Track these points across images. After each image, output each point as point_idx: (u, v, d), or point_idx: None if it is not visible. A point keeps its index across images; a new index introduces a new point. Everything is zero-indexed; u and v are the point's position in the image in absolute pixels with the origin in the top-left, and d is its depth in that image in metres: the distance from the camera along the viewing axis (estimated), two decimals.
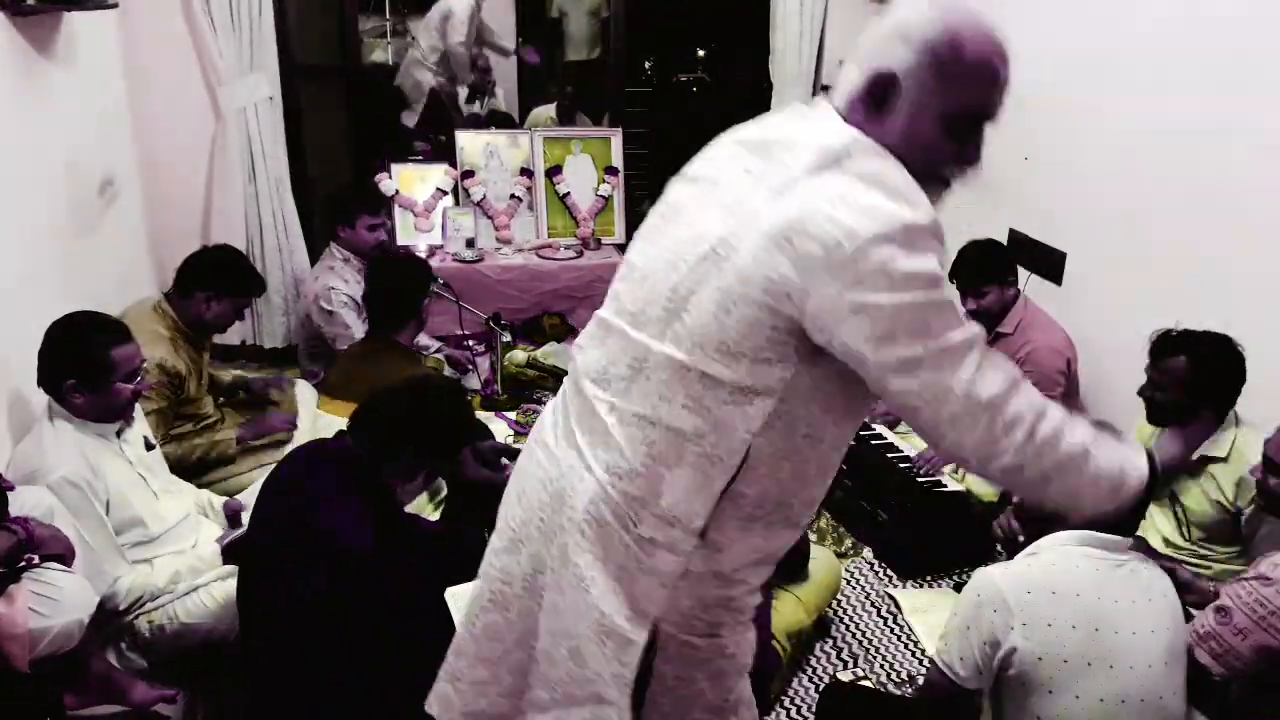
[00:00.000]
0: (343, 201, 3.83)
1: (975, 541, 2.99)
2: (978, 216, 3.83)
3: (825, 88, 4.77)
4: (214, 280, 2.89)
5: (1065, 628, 1.66)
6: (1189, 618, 1.86)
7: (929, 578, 3.00)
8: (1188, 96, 2.90)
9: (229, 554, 2.37)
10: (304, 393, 3.30)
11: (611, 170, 4.64)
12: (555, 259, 4.35)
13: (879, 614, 2.84)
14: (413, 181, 4.45)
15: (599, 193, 4.62)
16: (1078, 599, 1.68)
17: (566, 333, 4.34)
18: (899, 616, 2.82)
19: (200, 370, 2.98)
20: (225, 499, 2.68)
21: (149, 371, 2.47)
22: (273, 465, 2.42)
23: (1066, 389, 3.15)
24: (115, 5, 3.17)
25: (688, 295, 1.25)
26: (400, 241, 4.30)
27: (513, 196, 4.52)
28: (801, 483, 1.32)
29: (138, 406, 2.47)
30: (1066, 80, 3.41)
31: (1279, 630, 1.76)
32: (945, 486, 3.07)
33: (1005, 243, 3.61)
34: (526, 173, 4.54)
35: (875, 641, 2.72)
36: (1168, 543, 2.55)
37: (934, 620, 2.66)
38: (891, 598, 2.90)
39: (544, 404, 3.43)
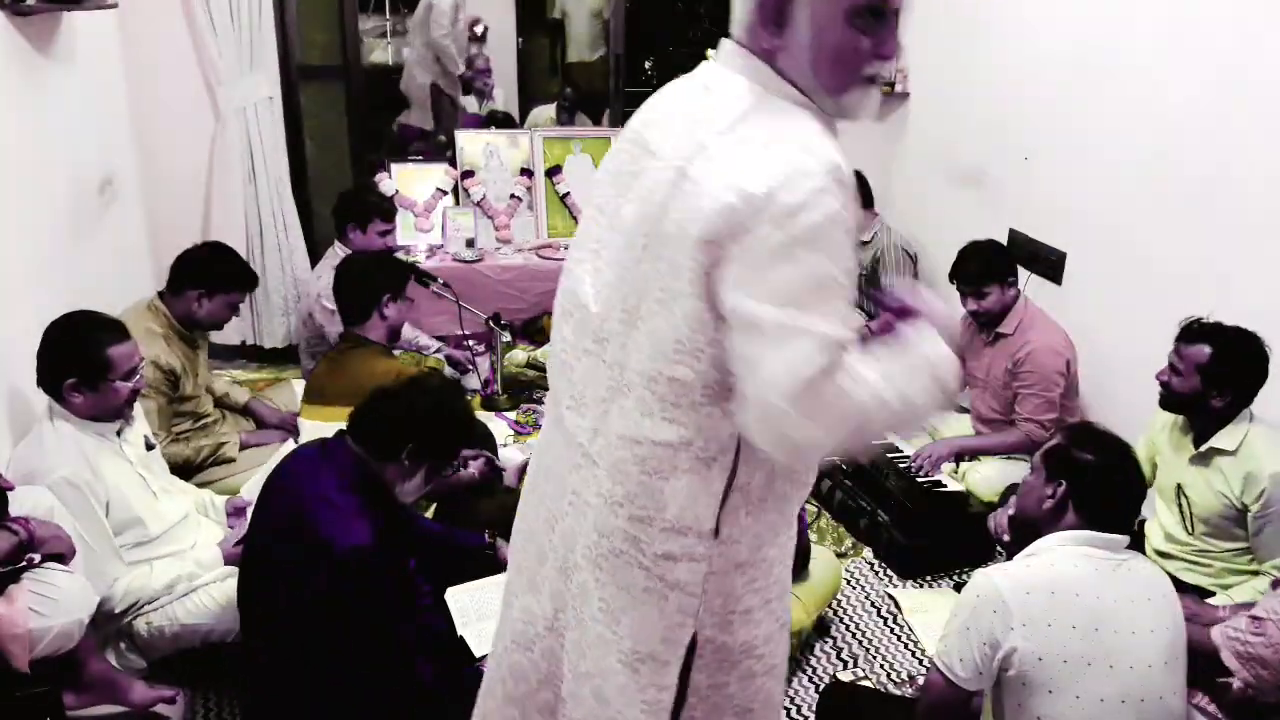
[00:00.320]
0: (359, 203, 3.81)
1: (975, 542, 2.99)
2: (978, 216, 3.84)
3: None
4: (205, 277, 2.90)
5: (1065, 628, 1.66)
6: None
7: (929, 578, 3.00)
8: (1188, 97, 2.90)
9: (231, 561, 2.36)
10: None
11: None
12: (555, 259, 4.34)
13: (879, 614, 2.84)
14: (412, 181, 4.45)
15: None
16: (1077, 599, 1.68)
17: None
18: (899, 617, 2.82)
19: (196, 368, 2.99)
20: (226, 498, 2.68)
21: (145, 369, 2.46)
22: (273, 464, 2.42)
23: (1066, 389, 3.15)
24: (115, 5, 3.16)
25: (638, 303, 1.23)
26: (400, 241, 4.29)
27: (513, 196, 4.51)
28: None
29: (138, 406, 2.47)
30: (1066, 80, 3.41)
31: None
32: (945, 486, 3.08)
33: (1005, 243, 3.60)
34: (526, 173, 4.54)
35: (875, 641, 2.72)
36: (1170, 538, 2.55)
37: (934, 620, 2.66)
38: (891, 598, 2.90)
39: (544, 404, 3.43)
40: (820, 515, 3.25)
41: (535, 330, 4.42)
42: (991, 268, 3.20)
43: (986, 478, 3.16)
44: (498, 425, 3.59)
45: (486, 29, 6.39)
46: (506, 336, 3.93)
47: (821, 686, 2.48)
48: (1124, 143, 3.17)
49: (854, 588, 2.94)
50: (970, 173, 3.91)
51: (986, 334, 3.30)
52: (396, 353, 3.57)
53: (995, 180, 3.83)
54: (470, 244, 4.29)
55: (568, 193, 4.57)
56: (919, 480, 3.09)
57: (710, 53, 1.31)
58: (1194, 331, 2.40)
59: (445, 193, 4.44)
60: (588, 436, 1.31)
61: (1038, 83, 3.57)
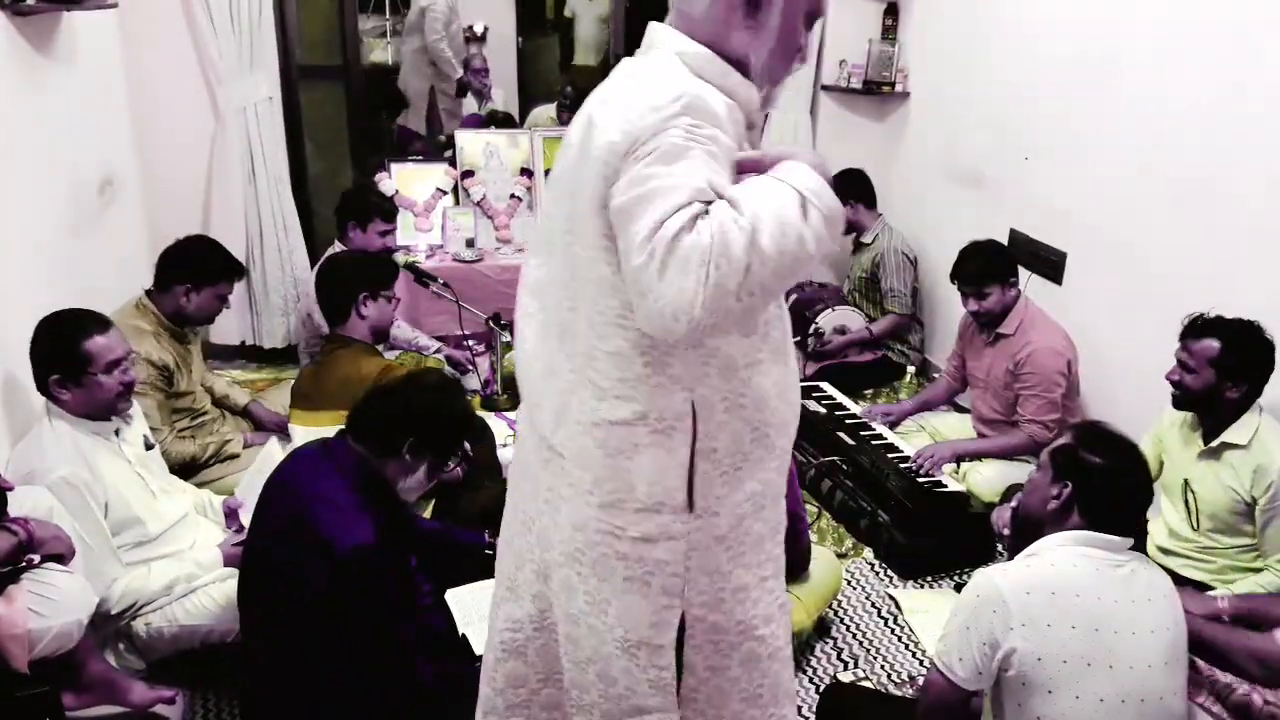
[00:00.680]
0: (360, 202, 3.81)
1: (975, 542, 2.99)
2: (978, 216, 3.84)
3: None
4: (189, 271, 2.90)
5: (1065, 628, 1.66)
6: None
7: (929, 578, 3.00)
8: (1188, 97, 2.90)
9: (230, 562, 2.36)
10: None
11: None
12: None
13: (879, 614, 2.83)
14: (412, 181, 4.45)
15: None
16: (1077, 599, 1.67)
17: None
18: (899, 617, 2.82)
19: (189, 363, 2.99)
20: (224, 498, 2.68)
21: (136, 364, 2.45)
22: (260, 464, 2.42)
23: (1066, 389, 3.15)
24: (115, 5, 3.16)
25: (578, 288, 1.27)
26: (400, 241, 4.29)
27: (513, 196, 4.51)
28: (762, 407, 1.30)
29: (136, 406, 2.47)
30: (1066, 80, 3.41)
31: None
32: (945, 487, 3.07)
33: (1005, 243, 3.60)
34: (526, 173, 4.54)
35: (875, 642, 2.72)
36: (1174, 534, 2.55)
37: (934, 621, 2.66)
38: (892, 598, 2.89)
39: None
40: (820, 515, 3.25)
41: None
42: (992, 268, 3.20)
43: (987, 478, 3.16)
44: (498, 425, 3.58)
45: (486, 29, 6.38)
46: (506, 336, 3.93)
47: (822, 687, 2.48)
48: (1124, 143, 3.17)
49: (854, 588, 2.94)
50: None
51: (987, 334, 3.30)
52: (396, 353, 3.57)
53: (995, 180, 3.83)
54: (470, 244, 4.29)
55: None
56: (919, 480, 3.08)
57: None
58: (1198, 327, 2.40)
59: (445, 192, 4.44)
60: (550, 429, 1.33)
61: (1038, 83, 3.57)
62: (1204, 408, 2.44)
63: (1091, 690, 1.65)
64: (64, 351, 2.20)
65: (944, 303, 4.20)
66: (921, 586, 2.97)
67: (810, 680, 2.55)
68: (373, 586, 1.91)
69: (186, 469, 2.83)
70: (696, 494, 1.29)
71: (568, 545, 1.32)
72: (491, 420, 3.61)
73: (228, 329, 4.18)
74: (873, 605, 2.87)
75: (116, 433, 2.34)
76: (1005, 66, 3.75)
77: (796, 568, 2.56)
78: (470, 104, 6.35)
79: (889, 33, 4.51)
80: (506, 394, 3.90)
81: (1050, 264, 3.52)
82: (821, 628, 2.72)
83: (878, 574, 3.02)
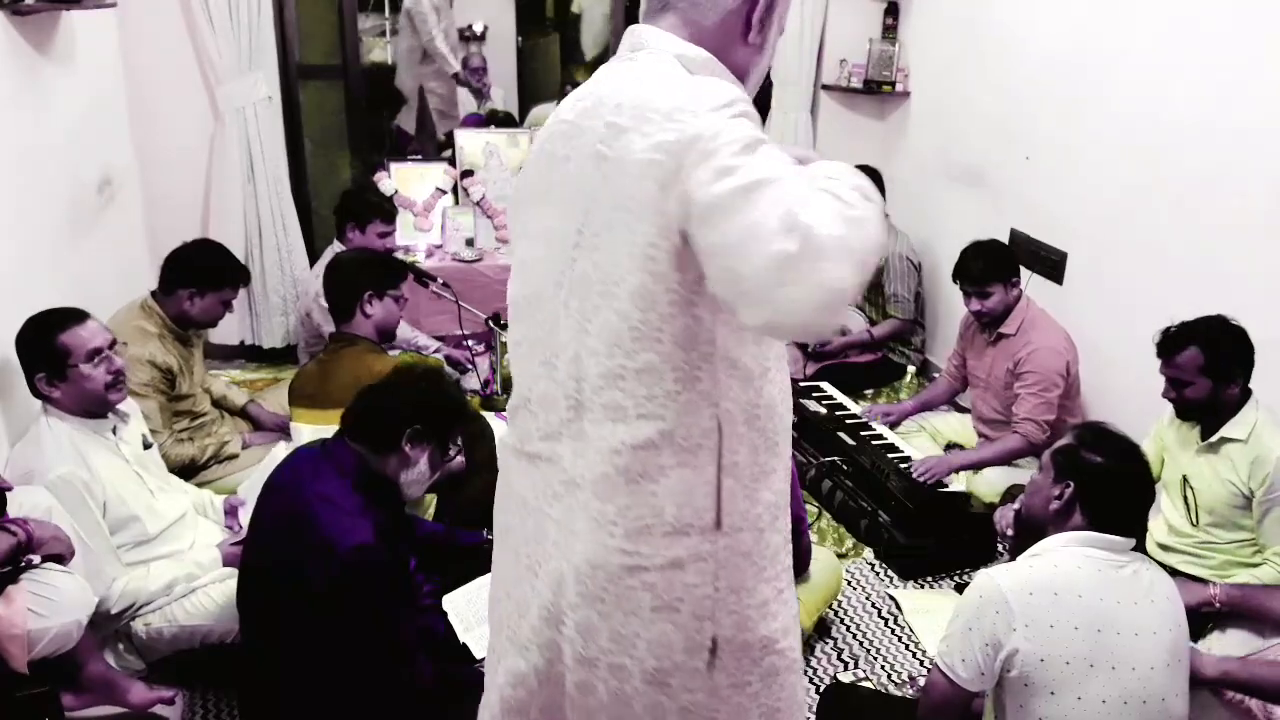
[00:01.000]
0: (360, 203, 3.81)
1: (976, 542, 2.99)
2: (979, 217, 3.84)
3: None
4: (195, 276, 2.89)
5: (1067, 629, 1.66)
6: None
7: (930, 579, 3.00)
8: (1188, 96, 2.90)
9: (230, 562, 2.35)
10: None
11: None
12: None
13: (880, 615, 2.83)
14: (412, 181, 4.44)
15: None
16: (1080, 600, 1.67)
17: None
18: (900, 617, 2.82)
19: (191, 366, 2.99)
20: (224, 497, 2.68)
21: (123, 355, 2.44)
22: (268, 463, 2.41)
23: (1067, 390, 3.15)
24: (114, 5, 3.16)
25: (580, 306, 1.21)
26: (400, 241, 4.29)
27: None
28: (772, 415, 1.28)
29: (136, 406, 2.47)
30: (1066, 80, 3.41)
31: None
32: (946, 487, 3.07)
33: (1006, 243, 3.60)
34: None
35: (876, 643, 2.72)
36: (1173, 530, 2.55)
37: (935, 621, 2.66)
38: (892, 599, 2.89)
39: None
40: (821, 516, 3.25)
41: None
42: (996, 267, 3.20)
43: (988, 479, 3.15)
44: (498, 425, 3.58)
45: (486, 28, 6.37)
46: (505, 336, 3.92)
47: (822, 687, 2.48)
48: (1124, 143, 3.17)
49: (854, 589, 2.94)
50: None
51: (989, 334, 3.30)
52: (395, 352, 3.57)
53: (995, 180, 3.83)
54: (470, 244, 4.28)
55: None
56: (920, 481, 3.08)
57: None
58: (1172, 340, 2.39)
59: (445, 192, 4.44)
60: (569, 456, 1.26)
61: (1038, 83, 3.56)
62: (1209, 411, 2.44)
63: (1094, 691, 1.65)
64: (43, 347, 2.21)
65: (944, 302, 4.20)
66: (922, 587, 2.97)
67: (811, 681, 2.55)
68: (373, 587, 1.91)
69: (185, 470, 2.83)
70: (724, 512, 1.25)
71: (585, 586, 1.26)
72: (492, 420, 3.61)
73: (227, 329, 4.17)
74: (873, 605, 2.87)
75: (114, 431, 2.33)
76: (1005, 66, 3.75)
77: (797, 568, 2.55)
78: (469, 103, 6.35)
79: (889, 32, 4.51)
80: (506, 394, 3.89)
81: (1050, 264, 3.52)
82: (821, 628, 2.71)
83: (878, 574, 3.01)
